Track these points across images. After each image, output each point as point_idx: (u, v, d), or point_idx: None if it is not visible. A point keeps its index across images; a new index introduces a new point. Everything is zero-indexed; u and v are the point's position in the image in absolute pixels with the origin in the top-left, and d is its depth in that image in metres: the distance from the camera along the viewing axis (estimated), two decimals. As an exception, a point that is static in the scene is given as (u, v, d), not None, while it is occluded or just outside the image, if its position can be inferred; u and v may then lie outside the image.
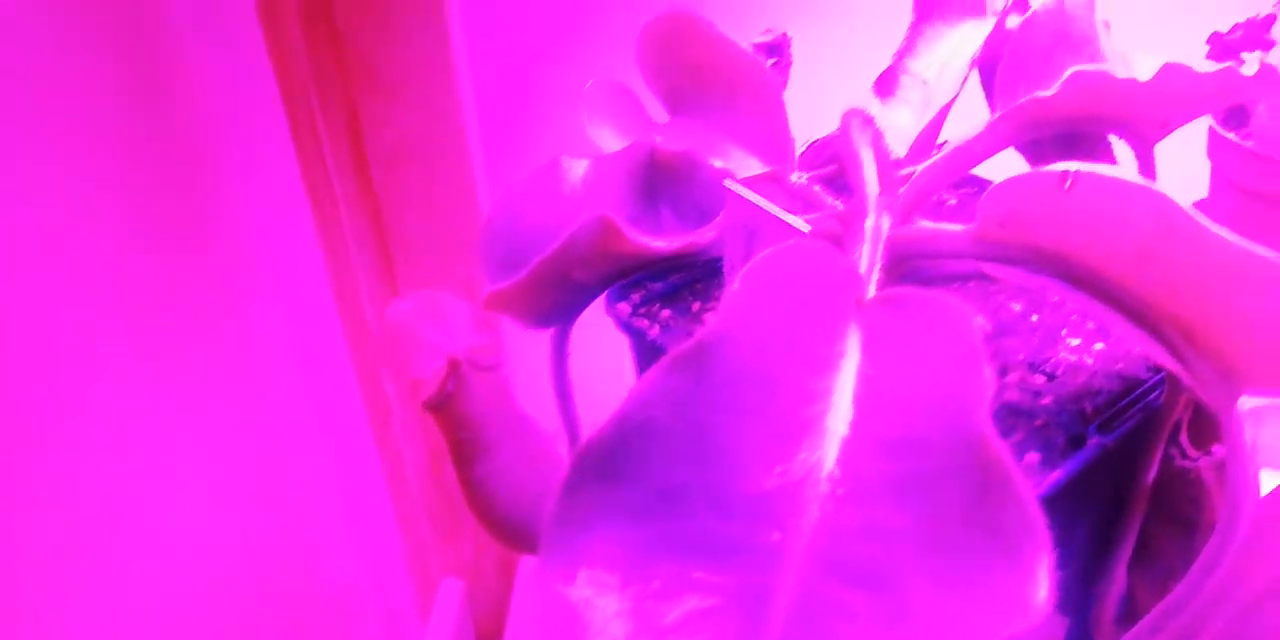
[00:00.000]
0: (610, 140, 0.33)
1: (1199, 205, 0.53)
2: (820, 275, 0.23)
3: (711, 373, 0.21)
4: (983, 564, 0.19)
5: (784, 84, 0.40)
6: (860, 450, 0.22)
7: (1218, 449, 0.30)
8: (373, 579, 0.62)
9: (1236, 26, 0.42)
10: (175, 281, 0.41)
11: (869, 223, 0.26)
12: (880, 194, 0.28)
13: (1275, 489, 0.27)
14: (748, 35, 0.41)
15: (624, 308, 0.36)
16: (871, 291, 0.25)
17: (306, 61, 0.50)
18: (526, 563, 0.69)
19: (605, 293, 0.37)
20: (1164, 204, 0.22)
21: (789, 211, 0.32)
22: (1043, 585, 0.19)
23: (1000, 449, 0.20)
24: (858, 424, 0.22)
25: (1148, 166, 0.36)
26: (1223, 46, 0.42)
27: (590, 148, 0.32)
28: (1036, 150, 0.36)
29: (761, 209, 0.25)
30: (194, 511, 0.41)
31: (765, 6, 0.57)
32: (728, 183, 0.26)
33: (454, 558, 0.70)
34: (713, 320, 0.21)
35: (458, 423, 0.29)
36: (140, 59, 0.39)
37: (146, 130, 0.39)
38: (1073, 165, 0.24)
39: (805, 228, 0.24)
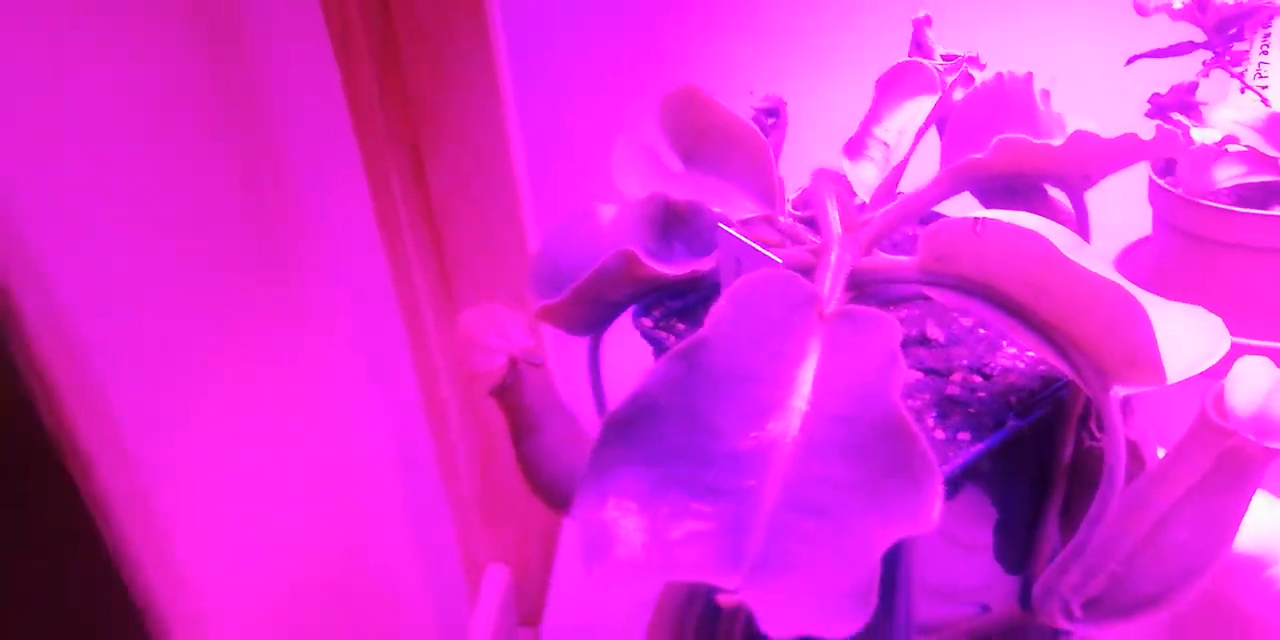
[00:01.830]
0: (634, 187, 0.41)
1: (1143, 242, 0.61)
2: (788, 295, 0.31)
3: (701, 364, 0.29)
4: (896, 495, 0.27)
5: (781, 140, 0.48)
6: (815, 422, 0.30)
7: (1118, 435, 0.38)
8: (425, 564, 0.69)
9: (1170, 90, 0.50)
10: (268, 299, 0.48)
11: (833, 256, 0.34)
12: (844, 233, 0.36)
13: (1164, 455, 0.35)
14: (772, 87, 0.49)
15: (647, 322, 0.45)
16: (831, 308, 0.33)
17: (380, 113, 0.59)
18: (564, 552, 0.77)
19: (631, 309, 0.46)
20: (1044, 245, 0.30)
21: (777, 245, 0.40)
22: (935, 506, 0.26)
23: (908, 419, 0.27)
24: (814, 403, 0.30)
25: (1080, 210, 0.44)
26: (1158, 106, 0.50)
27: (616, 193, 0.40)
28: (987, 196, 0.44)
29: (746, 245, 0.33)
30: (267, 498, 0.46)
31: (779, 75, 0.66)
32: (720, 225, 0.34)
33: (500, 546, 0.77)
34: (704, 326, 0.29)
35: (514, 408, 0.37)
36: (243, 111, 0.48)
37: (247, 171, 0.48)
38: (983, 213, 0.32)
39: (779, 260, 0.32)
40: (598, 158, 0.73)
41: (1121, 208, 0.46)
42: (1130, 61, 0.52)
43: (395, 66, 0.58)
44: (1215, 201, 0.49)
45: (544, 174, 0.71)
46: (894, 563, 0.39)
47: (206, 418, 0.43)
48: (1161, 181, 0.50)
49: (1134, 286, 0.33)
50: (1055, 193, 0.44)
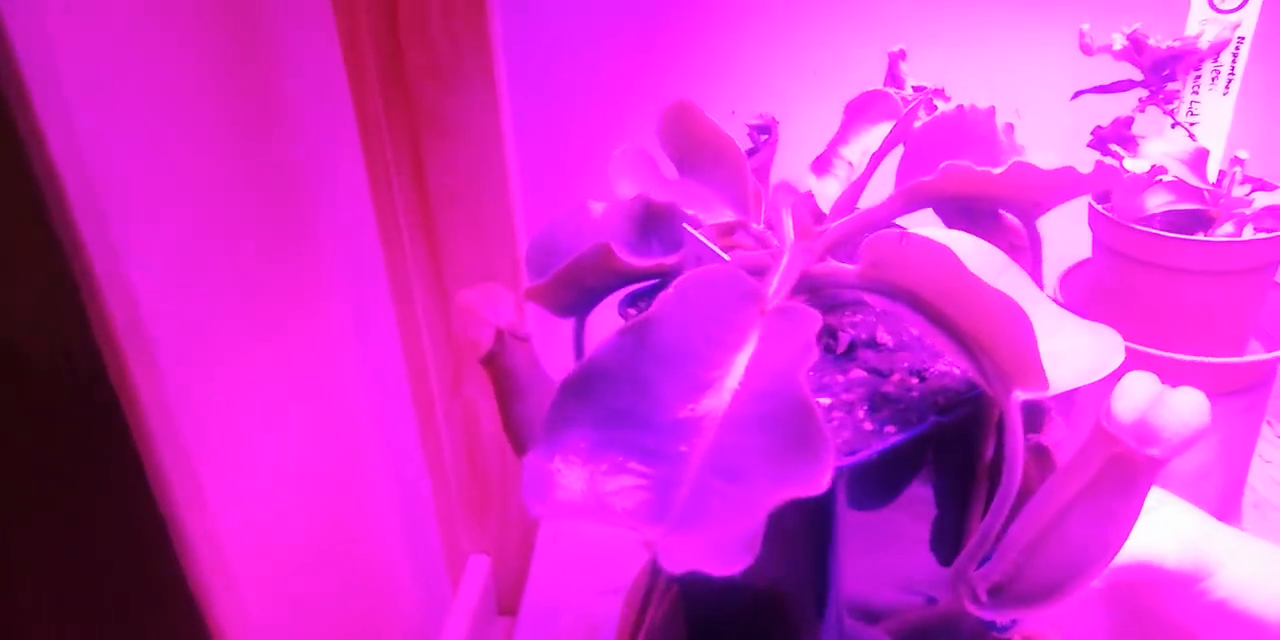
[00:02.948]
0: (627, 188, 0.47)
1: (1085, 263, 0.64)
2: (733, 289, 0.36)
3: (649, 341, 0.34)
4: (796, 463, 0.32)
5: (771, 155, 0.53)
6: (742, 399, 0.35)
7: (1031, 437, 0.42)
8: (411, 554, 0.73)
9: (1111, 123, 0.54)
10: (270, 288, 0.52)
11: (784, 259, 0.39)
12: (799, 240, 0.41)
13: (1071, 456, 0.39)
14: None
15: (631, 311, 0.50)
16: (773, 304, 0.38)
17: (383, 115, 0.64)
18: (542, 545, 0.81)
19: (619, 301, 0.51)
20: (951, 258, 0.35)
21: (745, 248, 0.45)
22: (827, 475, 0.31)
23: (809, 397, 0.32)
24: (744, 383, 0.35)
25: (1033, 235, 0.48)
26: (1099, 137, 0.54)
27: (607, 193, 0.45)
28: (948, 217, 0.49)
29: (704, 244, 0.38)
30: (261, 487, 0.50)
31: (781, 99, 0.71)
32: (685, 225, 0.39)
33: (481, 537, 0.82)
34: (652, 307, 0.34)
35: (501, 375, 0.43)
36: (257, 110, 0.53)
37: (260, 166, 0.53)
38: (910, 228, 0.37)
39: (727, 258, 0.37)
40: (587, 160, 0.79)
41: (1070, 231, 0.50)
42: (1075, 96, 0.56)
43: (399, 67, 0.64)
44: (1147, 226, 0.53)
45: (536, 173, 0.77)
46: (826, 545, 0.43)
47: (225, 388, 0.48)
48: (1100, 207, 0.54)
49: (1043, 300, 0.38)
50: (1012, 218, 0.48)
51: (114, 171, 0.39)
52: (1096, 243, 0.57)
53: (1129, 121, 0.53)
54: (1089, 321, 0.38)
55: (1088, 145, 0.56)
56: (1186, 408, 0.35)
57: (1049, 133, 0.50)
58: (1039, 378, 0.34)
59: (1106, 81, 0.57)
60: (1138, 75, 0.56)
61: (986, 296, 0.34)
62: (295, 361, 0.56)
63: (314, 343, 0.58)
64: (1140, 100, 0.56)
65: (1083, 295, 0.62)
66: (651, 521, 0.33)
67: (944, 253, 0.35)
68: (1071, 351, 0.36)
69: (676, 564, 0.30)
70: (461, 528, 0.80)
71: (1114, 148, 0.53)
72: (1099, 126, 0.54)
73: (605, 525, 0.34)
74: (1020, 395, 0.36)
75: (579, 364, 0.34)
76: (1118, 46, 0.56)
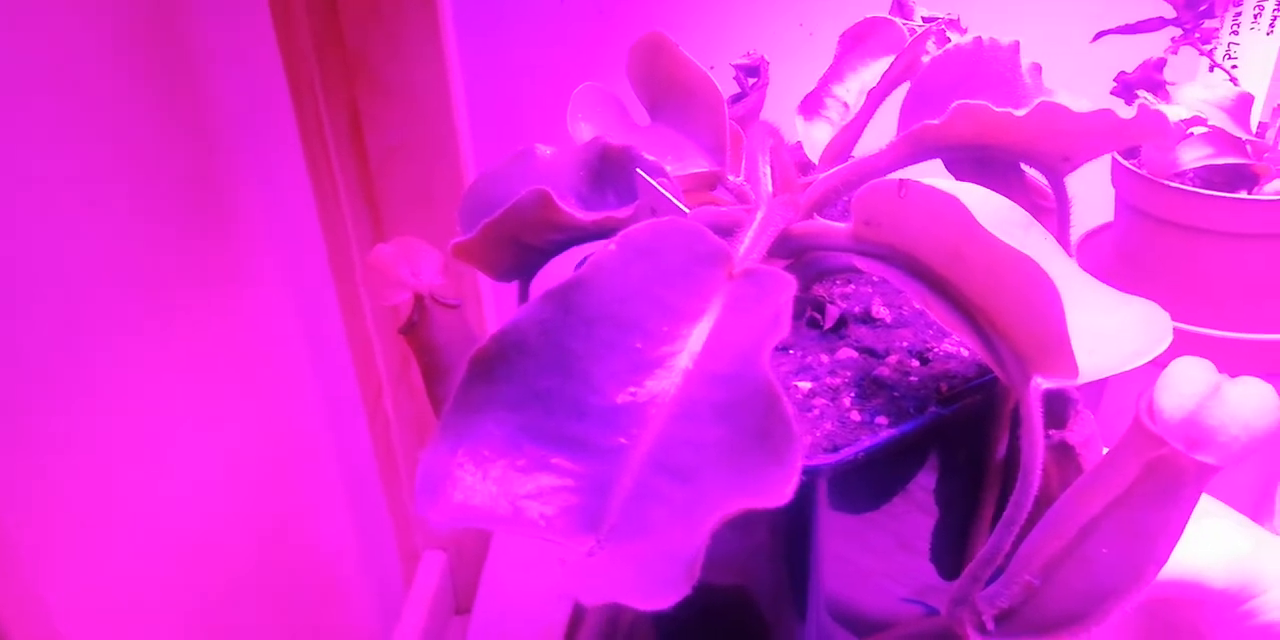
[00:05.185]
0: (586, 134, 0.40)
1: (1105, 227, 0.57)
2: (691, 248, 0.29)
3: (575, 309, 0.27)
4: (758, 463, 0.25)
5: (760, 100, 0.46)
6: (697, 382, 0.28)
7: (1054, 433, 0.35)
8: (362, 550, 0.68)
9: (1136, 67, 0.47)
10: (186, 261, 0.47)
11: (759, 215, 0.33)
12: (779, 194, 0.34)
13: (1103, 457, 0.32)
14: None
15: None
16: (740, 267, 0.31)
17: (315, 64, 0.57)
18: (499, 541, 0.75)
19: (576, 263, 0.44)
20: (961, 210, 0.28)
21: (717, 204, 0.38)
22: (793, 479, 0.24)
23: (774, 385, 0.25)
24: (699, 362, 0.28)
25: (1061, 195, 0.41)
26: (1124, 83, 0.47)
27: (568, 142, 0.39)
28: (958, 170, 0.42)
29: (661, 194, 0.31)
30: (193, 482, 0.46)
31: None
32: (638, 170, 0.32)
33: (436, 532, 0.76)
34: (584, 266, 0.27)
35: (423, 348, 0.36)
36: (164, 62, 0.46)
37: (168, 123, 0.46)
38: (910, 177, 0.30)
39: (686, 210, 0.30)
40: (549, 112, 0.71)
41: (1089, 190, 0.43)
42: (1097, 37, 0.49)
43: (333, 16, 0.56)
44: (1181, 183, 0.45)
45: (490, 126, 0.69)
46: (804, 548, 0.37)
47: (130, 395, 0.42)
48: (1126, 162, 0.47)
49: (1073, 268, 0.31)
50: (1036, 174, 0.41)
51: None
52: (1120, 202, 0.50)
53: (1160, 64, 0.46)
54: (1127, 295, 0.31)
55: (1111, 93, 0.48)
56: (1249, 404, 0.28)
57: (1064, 79, 0.42)
58: (1066, 362, 0.27)
59: (1133, 20, 0.49)
60: (1170, 12, 0.48)
61: (1003, 259, 0.27)
62: (220, 351, 0.49)
63: (242, 329, 0.51)
64: (1173, 40, 0.48)
65: (1104, 263, 0.54)
66: (579, 531, 0.27)
67: (951, 204, 0.28)
68: (1107, 331, 0.29)
69: (594, 592, 0.24)
70: (415, 522, 0.74)
71: (1142, 94, 0.46)
72: (1123, 71, 0.47)
73: (519, 536, 0.27)
74: (1042, 383, 0.29)
75: (492, 333, 0.27)
76: (1149, -23, 0.48)
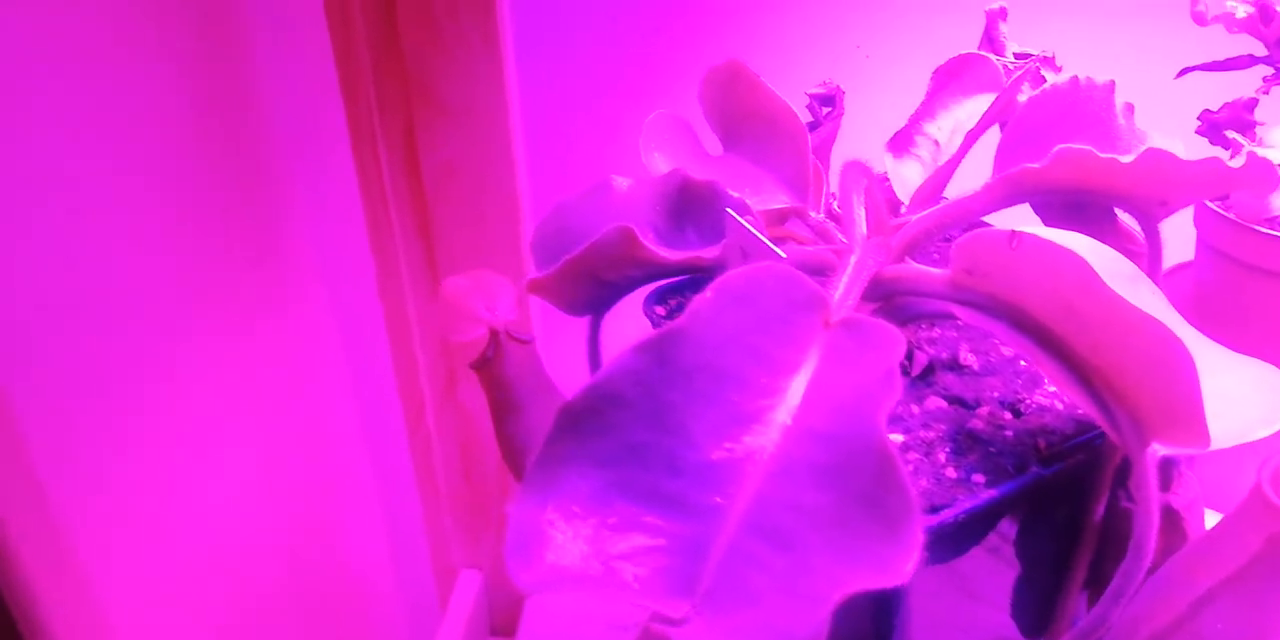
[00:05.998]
0: (661, 164, 0.38)
1: (1184, 267, 0.55)
2: (789, 295, 0.28)
3: (672, 360, 0.26)
4: (870, 535, 0.24)
5: (835, 131, 0.45)
6: (796, 439, 0.27)
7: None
8: (398, 568, 0.67)
9: (1224, 106, 0.45)
10: (237, 277, 0.45)
11: (853, 258, 0.31)
12: (871, 236, 0.33)
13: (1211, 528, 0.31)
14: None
15: (660, 310, 0.42)
16: (839, 315, 0.29)
17: (371, 81, 0.55)
18: None
19: (646, 296, 0.43)
20: (1083, 267, 0.26)
21: (801, 242, 0.37)
22: (913, 556, 0.23)
23: (891, 448, 0.24)
24: (799, 417, 0.27)
25: (1153, 241, 0.39)
26: (1210, 124, 0.45)
27: (638, 170, 0.37)
28: (1049, 214, 0.40)
29: (753, 235, 0.30)
30: (233, 494, 0.45)
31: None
32: (728, 210, 0.31)
33: (474, 551, 0.74)
34: (682, 316, 0.26)
35: (495, 384, 0.35)
36: (223, 79, 0.45)
37: (224, 140, 0.45)
38: (1020, 227, 0.28)
39: (782, 254, 0.29)
40: (609, 136, 0.69)
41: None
42: (1182, 73, 0.47)
43: (392, 37, 0.55)
44: (1270, 229, 0.44)
45: (546, 148, 0.67)
46: (889, 612, 0.35)
47: (177, 407, 0.41)
48: (1214, 205, 0.45)
49: (1187, 328, 0.29)
50: (1127, 219, 0.40)
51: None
52: (1202, 243, 0.48)
53: (1252, 104, 0.44)
54: (1240, 355, 0.30)
55: (1196, 132, 0.46)
56: (1384, 477, 0.27)
57: (1145, 116, 0.41)
58: (1197, 430, 0.26)
59: (1216, 56, 0.47)
60: (1260, 50, 0.46)
61: (1129, 319, 0.26)
62: (266, 365, 0.48)
63: (287, 345, 0.50)
64: (1265, 79, 0.46)
65: (1182, 305, 0.52)
66: (672, 595, 0.25)
67: (1070, 259, 0.26)
68: (1230, 395, 0.27)
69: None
70: (453, 541, 0.72)
71: (1231, 135, 0.44)
72: (1208, 110, 0.45)
73: (611, 598, 0.26)
74: (1159, 449, 0.28)
75: (585, 385, 0.26)
76: (1240, 14, 0.46)
